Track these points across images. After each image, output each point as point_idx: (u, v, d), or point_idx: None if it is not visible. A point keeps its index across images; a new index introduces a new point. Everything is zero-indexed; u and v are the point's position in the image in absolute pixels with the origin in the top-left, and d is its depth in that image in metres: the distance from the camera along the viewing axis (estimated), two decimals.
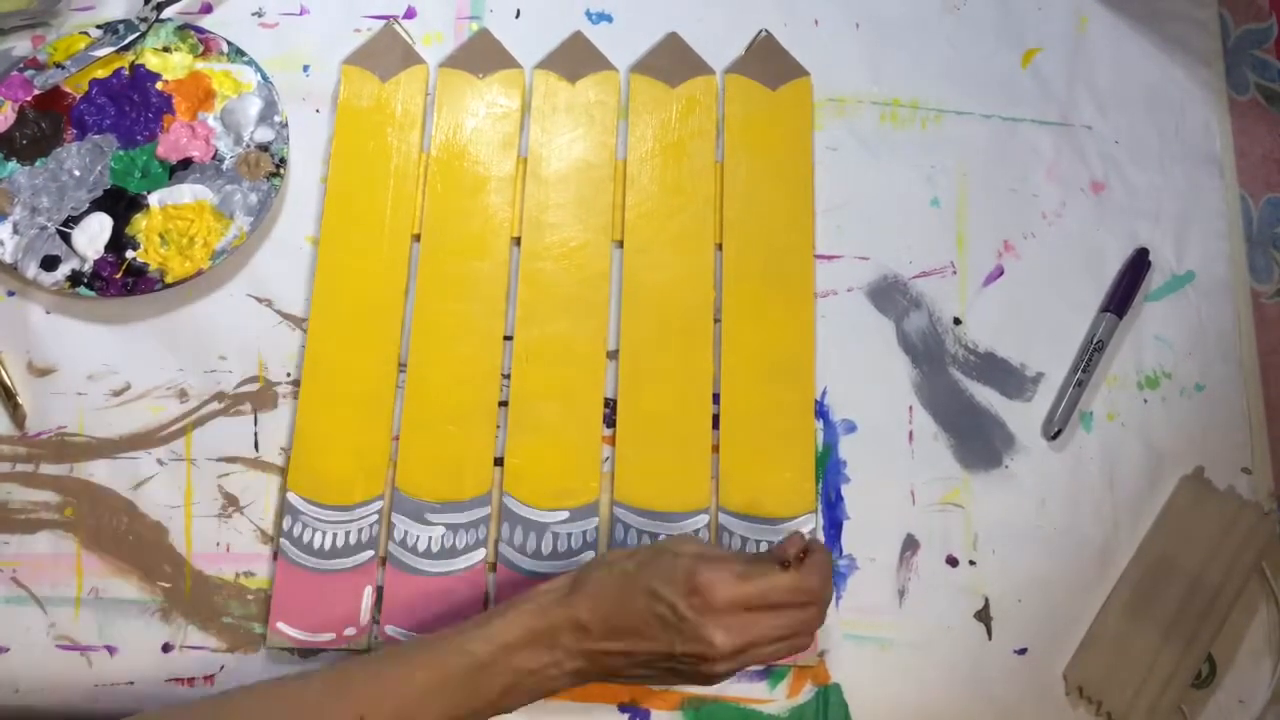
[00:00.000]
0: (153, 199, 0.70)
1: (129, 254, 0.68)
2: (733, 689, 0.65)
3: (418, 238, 0.71)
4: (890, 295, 0.73)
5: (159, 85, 0.72)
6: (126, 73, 0.73)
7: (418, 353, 0.69)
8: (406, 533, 0.65)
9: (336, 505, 0.65)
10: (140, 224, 0.69)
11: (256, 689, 0.52)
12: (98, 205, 0.69)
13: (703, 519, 0.67)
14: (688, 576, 0.52)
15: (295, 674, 0.53)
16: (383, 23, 0.76)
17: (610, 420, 0.69)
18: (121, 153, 0.71)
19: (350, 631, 0.63)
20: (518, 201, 0.72)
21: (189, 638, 0.64)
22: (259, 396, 0.68)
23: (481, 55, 0.75)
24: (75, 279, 0.67)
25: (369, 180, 0.72)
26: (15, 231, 0.68)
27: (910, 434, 0.71)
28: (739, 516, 0.67)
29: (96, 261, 0.68)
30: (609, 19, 0.78)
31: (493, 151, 0.73)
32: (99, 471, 0.66)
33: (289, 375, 0.69)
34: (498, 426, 0.68)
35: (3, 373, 0.67)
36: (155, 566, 0.65)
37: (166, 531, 0.65)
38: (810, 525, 0.67)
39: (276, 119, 0.72)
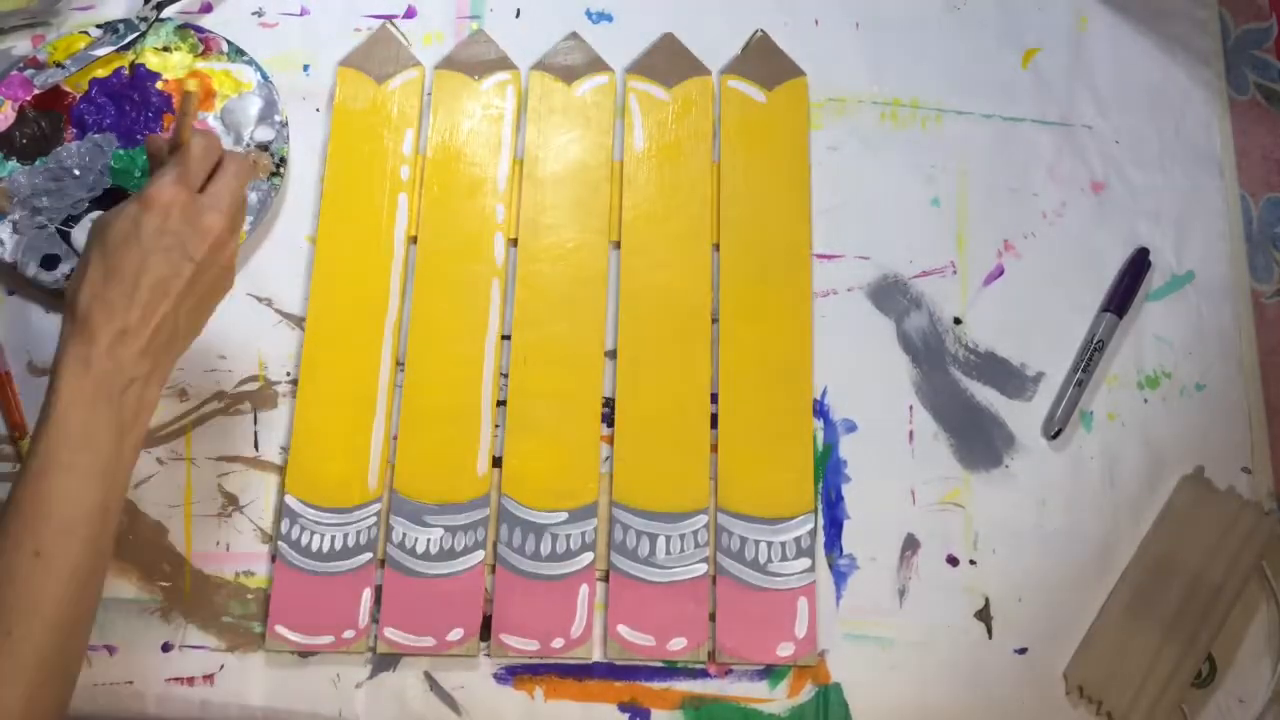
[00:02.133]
0: None
1: None
2: (732, 689, 0.65)
3: (415, 239, 0.71)
4: (890, 295, 0.73)
5: (159, 85, 0.72)
6: (126, 72, 0.73)
7: (415, 354, 0.69)
8: (405, 535, 0.65)
9: (335, 508, 0.65)
10: None
11: None
12: (98, 204, 0.69)
13: (702, 519, 0.67)
14: (142, 206, 0.52)
15: None
16: (383, 22, 0.76)
17: (609, 420, 0.69)
18: (121, 152, 0.71)
19: (349, 634, 0.63)
20: (514, 203, 0.72)
21: (189, 637, 0.64)
22: (258, 396, 0.68)
23: (478, 57, 0.75)
24: None
25: (365, 183, 0.72)
26: (15, 231, 0.68)
27: (910, 434, 0.71)
28: (738, 516, 0.67)
29: None
30: (609, 19, 0.78)
31: (489, 153, 0.73)
32: None
33: (288, 374, 0.69)
34: (496, 427, 0.68)
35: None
36: (155, 566, 0.65)
37: (166, 531, 0.65)
38: (810, 525, 0.67)
39: (276, 118, 0.72)
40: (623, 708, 0.64)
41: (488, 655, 0.64)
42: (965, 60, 0.79)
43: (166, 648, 0.63)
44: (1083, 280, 0.75)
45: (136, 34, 0.73)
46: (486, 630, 0.64)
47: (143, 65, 0.73)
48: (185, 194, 0.53)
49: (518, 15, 0.78)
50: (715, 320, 0.71)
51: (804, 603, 0.66)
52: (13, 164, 0.70)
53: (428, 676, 0.64)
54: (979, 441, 0.71)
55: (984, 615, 0.68)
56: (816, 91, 0.77)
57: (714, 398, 0.69)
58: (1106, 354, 0.73)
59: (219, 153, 0.56)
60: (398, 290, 0.70)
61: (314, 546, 0.64)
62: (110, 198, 0.69)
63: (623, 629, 0.65)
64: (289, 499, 0.65)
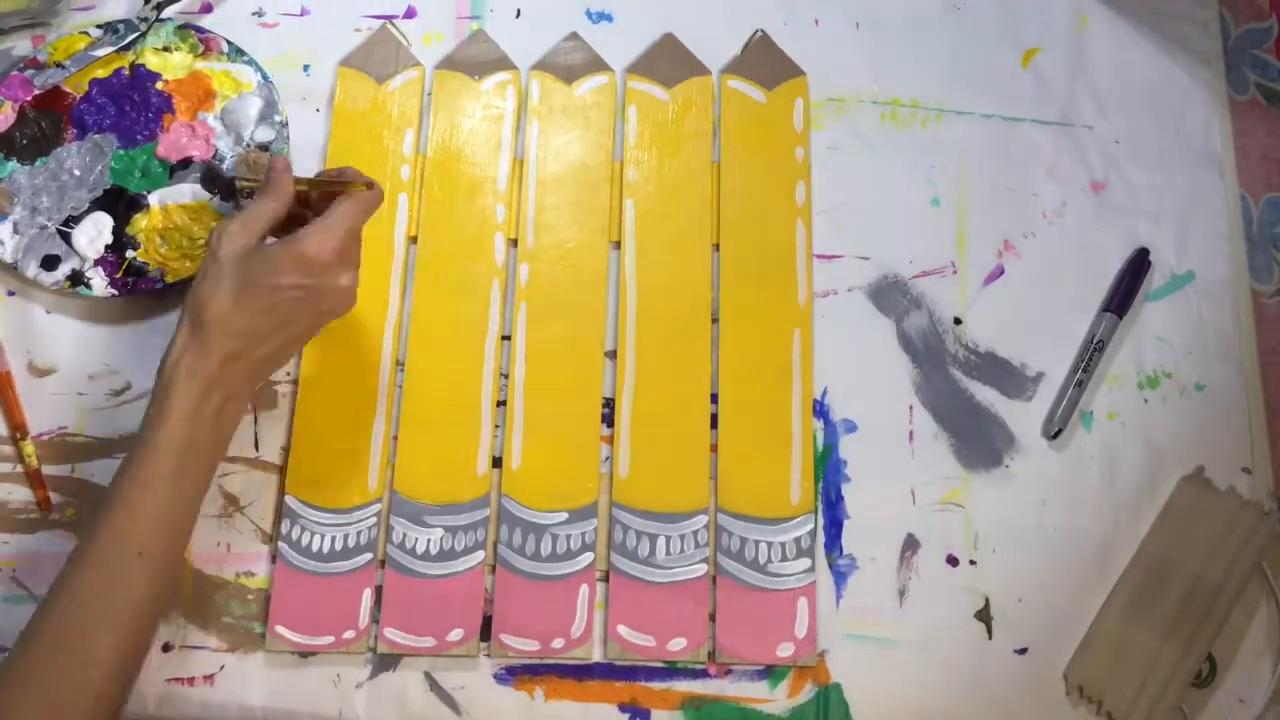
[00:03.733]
0: (153, 199, 0.70)
1: (129, 254, 0.68)
2: (732, 689, 0.65)
3: (415, 239, 0.71)
4: (890, 295, 0.73)
5: (159, 85, 0.72)
6: (126, 72, 0.73)
7: (415, 354, 0.69)
8: (405, 535, 0.65)
9: (335, 508, 0.65)
10: (140, 224, 0.69)
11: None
12: (98, 205, 0.69)
13: (702, 519, 0.67)
14: (293, 256, 0.56)
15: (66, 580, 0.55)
16: (383, 22, 0.76)
17: (609, 420, 0.69)
18: (121, 152, 0.71)
19: (349, 634, 0.63)
20: (514, 203, 0.72)
21: (189, 637, 0.64)
22: (259, 396, 0.68)
23: (478, 57, 0.75)
24: (75, 279, 0.67)
25: None
26: (15, 231, 0.68)
27: (910, 434, 0.71)
28: (738, 517, 0.67)
29: (97, 261, 0.68)
30: (609, 19, 0.78)
31: (489, 153, 0.73)
32: (99, 471, 0.66)
33: (289, 374, 0.68)
34: (496, 427, 0.68)
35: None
36: None
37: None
38: (810, 525, 0.67)
39: (276, 119, 0.72)
40: (623, 708, 0.64)
41: (488, 655, 0.64)
42: (965, 60, 0.79)
43: (167, 648, 0.63)
44: (1083, 280, 0.75)
45: (136, 34, 0.73)
46: (486, 630, 0.64)
47: (143, 65, 0.73)
48: (338, 252, 0.57)
49: (518, 15, 0.78)
50: (715, 320, 0.71)
51: (804, 603, 0.66)
52: (13, 164, 0.70)
53: (428, 677, 0.64)
54: (979, 441, 0.71)
55: (984, 615, 0.68)
56: (816, 91, 0.77)
57: (714, 398, 0.69)
58: (1106, 354, 0.73)
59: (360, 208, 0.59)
60: (398, 290, 0.70)
61: (314, 547, 0.65)
62: (110, 198, 0.69)
63: (623, 629, 0.65)
64: (289, 499, 0.65)
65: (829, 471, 0.69)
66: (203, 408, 0.55)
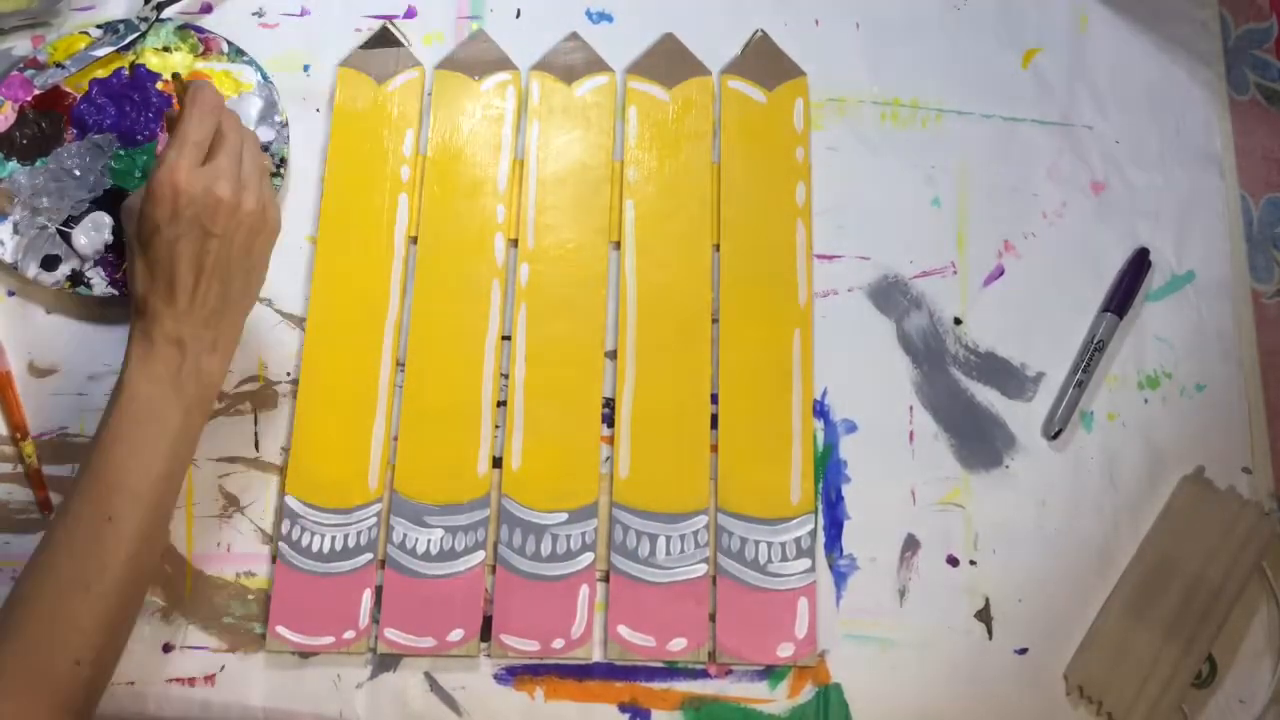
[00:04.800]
0: None
1: None
2: (733, 689, 0.65)
3: (415, 239, 0.71)
4: (891, 295, 0.73)
5: (159, 85, 0.72)
6: (127, 72, 0.73)
7: (415, 354, 0.69)
8: (405, 535, 0.65)
9: (335, 508, 0.65)
10: None
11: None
12: (98, 205, 0.69)
13: (702, 519, 0.67)
14: (151, 199, 0.54)
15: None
16: (383, 23, 0.76)
17: (609, 420, 0.69)
18: (122, 152, 0.71)
19: (349, 635, 0.63)
20: (514, 203, 0.72)
21: (189, 638, 0.64)
22: (259, 396, 0.68)
23: (478, 57, 0.75)
24: (75, 279, 0.67)
25: (365, 183, 0.71)
26: (15, 231, 0.68)
27: (910, 434, 0.71)
28: (738, 517, 0.67)
29: (97, 261, 0.68)
30: (609, 19, 0.78)
31: (489, 153, 0.73)
32: None
33: (289, 375, 0.69)
34: (496, 427, 0.68)
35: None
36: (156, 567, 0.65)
37: (167, 532, 0.65)
38: (810, 525, 0.67)
39: (277, 119, 0.72)
40: (623, 708, 0.64)
41: (488, 656, 0.64)
42: (965, 60, 0.79)
43: (167, 648, 0.63)
44: (1083, 280, 0.75)
45: (136, 34, 0.73)
46: (487, 631, 0.64)
47: (143, 66, 0.73)
48: (185, 174, 0.54)
49: (518, 15, 0.77)
50: (715, 320, 0.71)
51: (804, 603, 0.66)
52: (13, 164, 0.70)
53: (428, 677, 0.64)
54: (979, 441, 0.71)
55: (984, 615, 0.68)
56: (816, 91, 0.77)
57: (714, 398, 0.69)
58: (1106, 354, 0.73)
59: (216, 119, 0.57)
60: (398, 290, 0.70)
61: (314, 547, 0.65)
62: (110, 198, 0.69)
63: (623, 629, 0.65)
64: (289, 500, 0.65)
65: (829, 472, 0.69)
66: (159, 373, 0.55)
